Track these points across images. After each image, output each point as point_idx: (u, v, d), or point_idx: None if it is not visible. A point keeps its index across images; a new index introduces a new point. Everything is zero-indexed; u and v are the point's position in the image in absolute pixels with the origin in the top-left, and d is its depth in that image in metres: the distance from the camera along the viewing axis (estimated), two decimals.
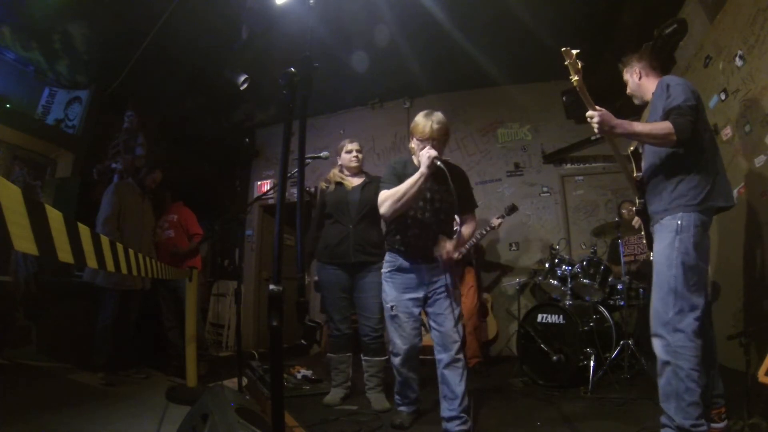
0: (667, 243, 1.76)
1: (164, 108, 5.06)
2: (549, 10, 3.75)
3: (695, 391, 1.60)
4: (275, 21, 3.58)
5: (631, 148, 2.11)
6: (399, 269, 2.16)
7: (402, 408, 2.30)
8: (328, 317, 2.84)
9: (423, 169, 1.98)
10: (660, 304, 1.74)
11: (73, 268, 3.54)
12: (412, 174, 2.05)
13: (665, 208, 1.81)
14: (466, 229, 2.19)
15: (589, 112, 1.80)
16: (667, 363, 1.67)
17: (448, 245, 2.04)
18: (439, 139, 2.08)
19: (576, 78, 1.78)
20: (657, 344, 1.73)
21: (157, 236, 3.79)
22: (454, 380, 2.01)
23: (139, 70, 4.20)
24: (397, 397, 2.32)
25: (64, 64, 4.25)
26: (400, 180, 2.07)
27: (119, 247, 1.40)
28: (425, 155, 1.98)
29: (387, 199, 2.06)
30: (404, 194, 2.01)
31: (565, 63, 1.77)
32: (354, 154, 2.91)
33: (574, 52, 1.76)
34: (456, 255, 2.07)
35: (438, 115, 2.10)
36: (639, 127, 1.79)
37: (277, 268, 1.02)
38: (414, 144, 2.15)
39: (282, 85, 1.09)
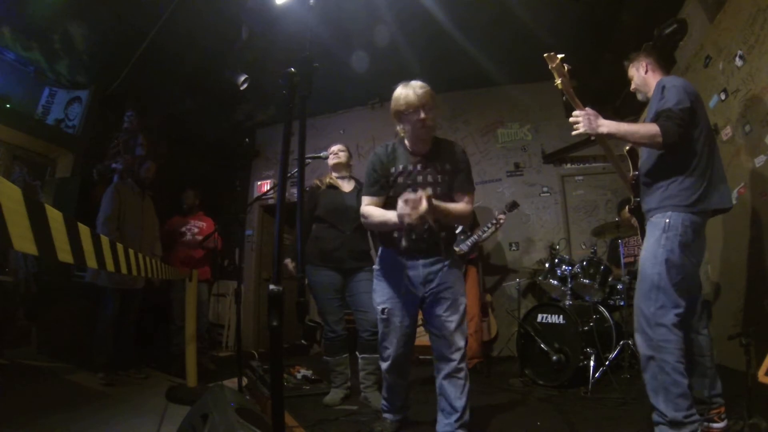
0: (654, 240, 1.78)
1: (164, 108, 5.06)
2: (549, 10, 3.75)
3: (682, 383, 1.62)
4: (275, 21, 3.58)
5: (627, 147, 2.12)
6: (393, 266, 1.94)
7: (387, 415, 2.10)
8: (323, 319, 2.81)
9: (396, 219, 1.64)
10: (643, 299, 1.76)
11: (74, 269, 3.55)
12: (402, 160, 1.92)
13: (657, 206, 1.82)
14: (455, 206, 1.85)
15: (575, 112, 1.80)
16: (651, 358, 1.69)
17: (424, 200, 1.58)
18: (430, 105, 1.83)
19: (559, 81, 1.80)
20: (639, 340, 1.76)
21: (182, 237, 3.96)
22: (453, 393, 1.81)
23: (139, 70, 4.20)
24: (383, 402, 2.13)
25: (64, 64, 4.25)
26: (387, 179, 1.91)
27: (119, 247, 1.40)
28: (400, 208, 1.59)
29: (367, 218, 1.90)
30: (384, 225, 1.84)
31: (550, 68, 1.78)
32: (335, 153, 2.91)
33: (559, 56, 1.78)
34: (424, 217, 1.60)
35: (417, 82, 1.86)
36: (625, 127, 1.79)
37: (277, 268, 1.02)
38: (399, 127, 1.91)
39: (282, 85, 1.09)
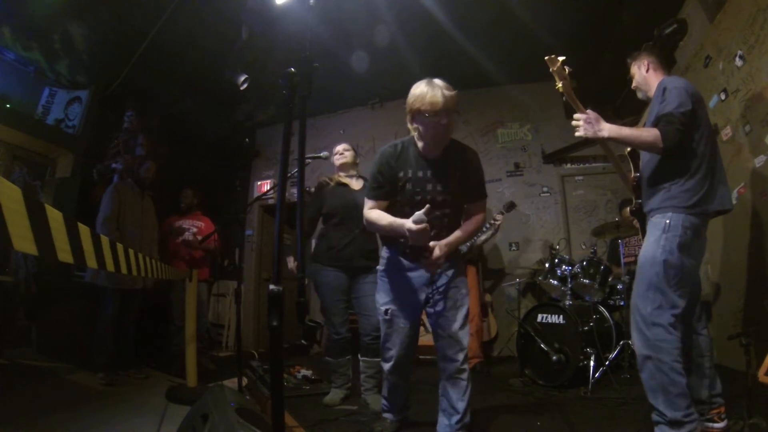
0: (653, 240, 1.77)
1: (164, 108, 5.06)
2: (549, 10, 3.75)
3: (680, 383, 1.61)
4: (275, 21, 3.58)
5: (628, 149, 2.11)
6: (396, 268, 1.92)
7: (387, 415, 2.10)
8: (327, 320, 2.78)
9: (405, 231, 1.68)
10: (640, 299, 1.76)
11: (74, 269, 3.55)
12: (411, 164, 1.83)
13: (657, 207, 1.82)
14: (465, 227, 1.89)
15: (576, 115, 1.80)
16: (648, 357, 1.68)
17: (437, 250, 1.77)
18: (452, 110, 1.73)
19: (560, 84, 1.79)
20: (636, 339, 1.75)
21: (180, 235, 3.97)
22: (455, 395, 1.81)
23: (139, 70, 4.20)
24: (384, 402, 2.12)
25: (64, 64, 4.25)
26: (392, 183, 1.84)
27: (119, 247, 1.40)
28: (410, 225, 1.65)
29: (372, 223, 1.86)
30: (388, 231, 1.83)
31: (551, 71, 1.78)
32: (340, 153, 2.90)
33: (560, 59, 1.77)
34: (441, 258, 1.78)
35: (443, 82, 1.76)
36: (626, 131, 1.79)
37: (277, 268, 1.02)
38: (412, 127, 1.80)
39: (282, 85, 1.09)
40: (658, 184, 1.83)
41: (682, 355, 1.66)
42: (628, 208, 2.17)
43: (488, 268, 4.78)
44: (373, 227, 1.90)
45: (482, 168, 1.96)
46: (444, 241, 1.79)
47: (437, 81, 1.76)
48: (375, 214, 1.86)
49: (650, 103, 1.98)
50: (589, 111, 1.79)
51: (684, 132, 1.72)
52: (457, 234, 1.85)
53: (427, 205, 1.67)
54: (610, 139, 1.78)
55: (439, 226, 1.83)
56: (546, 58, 1.77)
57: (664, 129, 1.70)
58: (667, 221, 1.75)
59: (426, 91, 1.72)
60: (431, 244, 1.76)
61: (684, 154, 1.78)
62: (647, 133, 1.74)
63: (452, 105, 1.72)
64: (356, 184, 2.85)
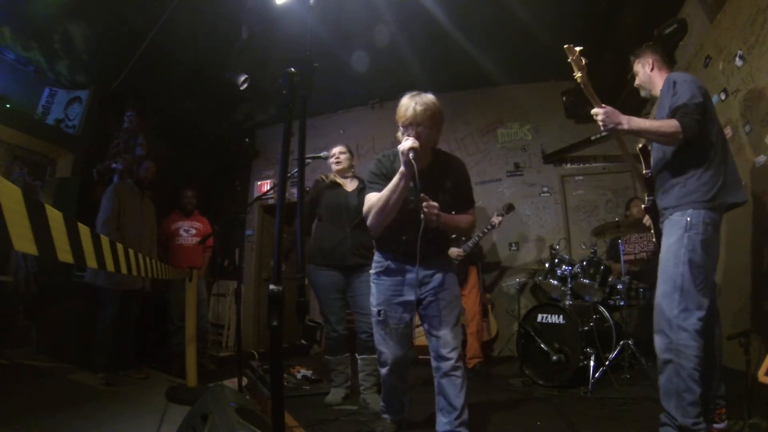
0: (675, 240, 1.75)
1: (164, 108, 5.06)
2: (549, 10, 3.75)
3: (696, 391, 1.60)
4: (275, 21, 3.58)
5: (640, 145, 2.10)
6: (388, 271, 1.95)
7: (386, 416, 2.13)
8: (324, 319, 2.82)
9: (401, 167, 1.72)
10: (665, 301, 1.73)
11: (73, 268, 3.55)
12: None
13: (675, 204, 1.80)
14: (458, 217, 1.89)
15: (595, 109, 1.79)
16: (668, 361, 1.67)
17: (433, 208, 1.71)
18: (424, 125, 1.75)
19: (579, 75, 1.76)
20: (659, 341, 1.72)
21: (180, 238, 3.97)
22: (452, 391, 1.81)
23: (139, 70, 4.20)
24: (382, 404, 2.15)
25: (64, 64, 4.25)
26: (389, 179, 1.81)
27: (119, 247, 1.40)
28: (400, 149, 1.70)
29: (371, 209, 1.83)
30: (387, 202, 1.77)
31: (568, 60, 1.76)
32: (336, 157, 2.90)
33: (577, 48, 1.74)
34: (435, 218, 1.72)
35: (426, 97, 1.79)
36: (645, 124, 1.78)
37: (277, 268, 1.02)
38: (399, 133, 1.83)
39: (282, 85, 1.09)
40: (674, 179, 1.82)
41: (702, 363, 1.63)
42: (642, 205, 2.13)
43: (488, 267, 4.78)
44: (375, 214, 1.83)
45: (469, 176, 2.00)
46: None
47: (423, 95, 1.79)
48: (373, 198, 1.85)
49: (659, 99, 1.96)
50: (604, 105, 1.78)
51: (701, 122, 1.71)
52: (453, 216, 1.84)
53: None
54: (629, 131, 1.76)
55: (427, 237, 1.77)
56: (565, 46, 1.74)
57: (683, 119, 1.69)
58: (688, 219, 1.73)
59: (404, 103, 1.79)
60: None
61: (699, 146, 1.76)
62: (667, 124, 1.72)
63: (423, 119, 1.75)
64: (350, 185, 2.88)
